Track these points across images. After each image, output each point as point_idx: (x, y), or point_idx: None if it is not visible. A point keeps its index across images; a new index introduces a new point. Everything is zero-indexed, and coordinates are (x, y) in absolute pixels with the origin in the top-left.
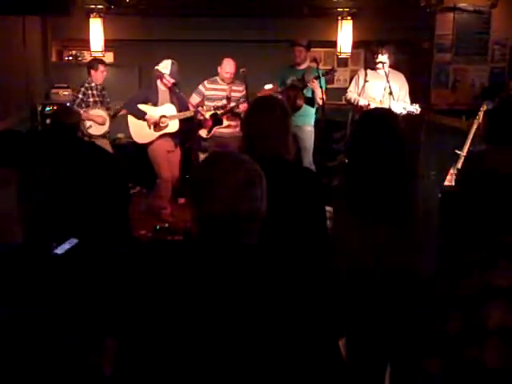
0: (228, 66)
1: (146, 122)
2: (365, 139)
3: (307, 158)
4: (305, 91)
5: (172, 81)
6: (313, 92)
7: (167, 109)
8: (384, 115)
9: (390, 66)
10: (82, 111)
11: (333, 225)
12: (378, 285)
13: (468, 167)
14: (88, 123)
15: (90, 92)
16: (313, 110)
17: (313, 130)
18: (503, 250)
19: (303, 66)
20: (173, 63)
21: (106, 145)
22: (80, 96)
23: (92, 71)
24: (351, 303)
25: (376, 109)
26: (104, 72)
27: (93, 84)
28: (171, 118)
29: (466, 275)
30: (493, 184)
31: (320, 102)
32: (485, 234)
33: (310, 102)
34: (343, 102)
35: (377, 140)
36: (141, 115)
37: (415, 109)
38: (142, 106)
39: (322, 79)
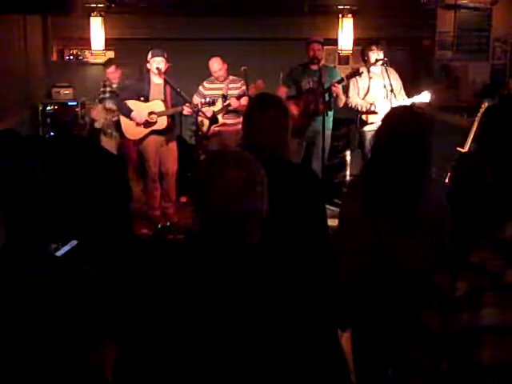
0: (214, 65)
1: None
2: (390, 144)
3: (318, 162)
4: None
5: (167, 65)
6: (330, 95)
7: (156, 105)
8: (407, 119)
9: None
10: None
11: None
12: (385, 281)
13: (459, 166)
14: None
15: None
16: (331, 113)
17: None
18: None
19: (317, 66)
20: (153, 50)
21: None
22: None
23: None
24: (357, 299)
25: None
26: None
27: None
28: (160, 114)
29: None
30: (483, 182)
31: (341, 105)
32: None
33: (330, 105)
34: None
35: (403, 146)
36: (128, 114)
37: (425, 97)
38: (132, 103)
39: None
